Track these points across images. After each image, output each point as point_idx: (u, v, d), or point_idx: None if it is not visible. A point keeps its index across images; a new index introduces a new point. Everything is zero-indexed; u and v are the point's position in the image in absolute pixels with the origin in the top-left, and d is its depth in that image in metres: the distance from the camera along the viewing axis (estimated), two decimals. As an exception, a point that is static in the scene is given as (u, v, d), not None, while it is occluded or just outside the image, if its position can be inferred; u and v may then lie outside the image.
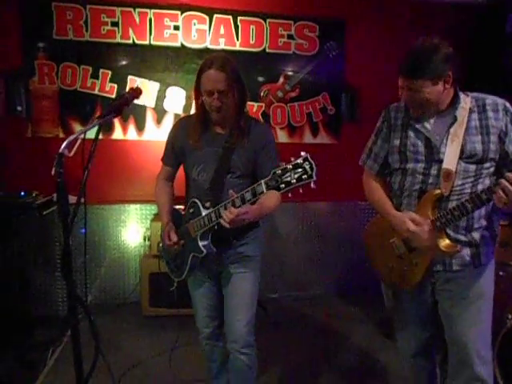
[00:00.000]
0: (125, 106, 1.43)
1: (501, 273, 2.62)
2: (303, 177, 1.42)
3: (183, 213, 1.95)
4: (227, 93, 1.76)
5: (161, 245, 2.14)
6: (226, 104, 1.77)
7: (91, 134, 1.32)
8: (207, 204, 1.80)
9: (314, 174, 1.41)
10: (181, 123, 2.04)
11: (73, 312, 1.22)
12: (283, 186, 1.44)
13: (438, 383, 2.04)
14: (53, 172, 1.18)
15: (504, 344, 2.18)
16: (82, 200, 1.31)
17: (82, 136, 1.30)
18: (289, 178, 1.43)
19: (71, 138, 1.22)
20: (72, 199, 1.23)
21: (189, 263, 1.90)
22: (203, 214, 1.78)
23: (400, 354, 2.02)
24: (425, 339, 1.90)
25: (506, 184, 1.42)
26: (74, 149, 1.24)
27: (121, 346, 2.92)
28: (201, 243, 1.82)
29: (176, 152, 1.97)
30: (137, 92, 1.49)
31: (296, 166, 1.43)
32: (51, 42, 3.27)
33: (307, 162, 1.42)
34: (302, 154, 1.44)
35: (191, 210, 1.87)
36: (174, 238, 1.88)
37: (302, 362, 2.80)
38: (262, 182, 1.50)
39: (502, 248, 2.58)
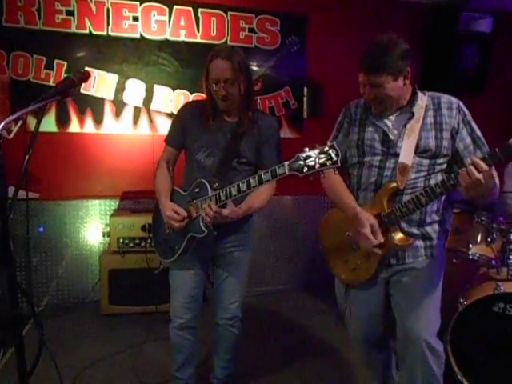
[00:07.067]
0: (71, 89, 1.37)
1: (454, 260, 2.71)
2: (328, 162, 1.45)
3: (184, 193, 1.93)
4: (233, 82, 1.81)
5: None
6: (231, 93, 1.83)
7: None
8: (215, 185, 1.82)
9: (338, 160, 1.45)
10: (190, 106, 2.07)
11: (14, 301, 1.15)
12: (306, 169, 1.48)
13: (394, 373, 2.03)
14: (-11, 153, 1.11)
15: (456, 328, 2.25)
16: (26, 192, 1.24)
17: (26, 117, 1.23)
18: (313, 163, 1.47)
19: (10, 118, 1.15)
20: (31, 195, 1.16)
21: (184, 244, 1.88)
22: (210, 193, 1.79)
23: (355, 347, 2.03)
24: (377, 334, 1.91)
25: (471, 167, 1.41)
26: (15, 130, 1.17)
27: (77, 346, 2.81)
28: (202, 223, 1.80)
29: (184, 133, 1.97)
30: (84, 75, 1.43)
31: (321, 152, 1.46)
32: (1, 30, 3.12)
33: (333, 150, 1.45)
34: (328, 142, 1.48)
35: (196, 190, 1.86)
36: (184, 212, 1.84)
37: (267, 356, 2.79)
38: (286, 163, 1.52)
39: (454, 236, 2.66)
